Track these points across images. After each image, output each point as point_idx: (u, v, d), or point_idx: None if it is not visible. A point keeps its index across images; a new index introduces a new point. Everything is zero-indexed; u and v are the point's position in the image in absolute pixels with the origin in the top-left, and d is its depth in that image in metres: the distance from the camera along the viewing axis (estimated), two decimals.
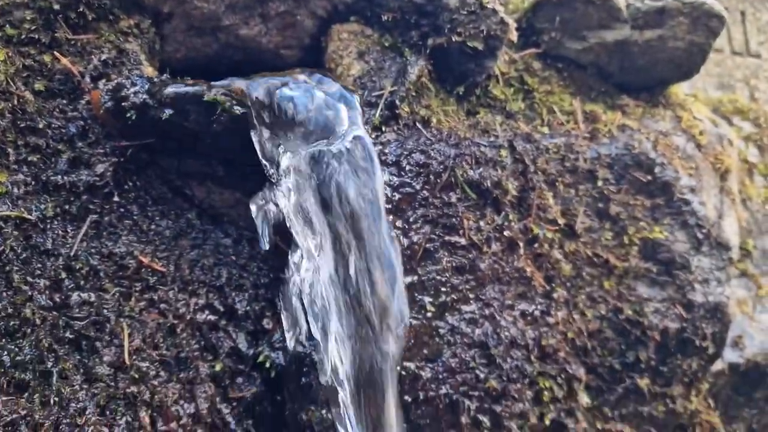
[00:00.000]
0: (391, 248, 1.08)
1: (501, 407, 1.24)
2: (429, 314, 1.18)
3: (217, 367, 1.15)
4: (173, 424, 1.11)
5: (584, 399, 1.31)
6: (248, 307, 1.18)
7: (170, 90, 1.10)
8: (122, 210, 1.14)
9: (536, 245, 1.26)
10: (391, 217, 1.15)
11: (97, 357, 1.07)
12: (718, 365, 1.48)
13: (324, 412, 1.11)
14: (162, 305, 1.13)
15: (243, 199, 1.23)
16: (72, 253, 1.09)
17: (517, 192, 1.28)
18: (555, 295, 1.27)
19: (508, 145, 1.30)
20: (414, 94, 1.27)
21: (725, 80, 2.04)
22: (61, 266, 1.07)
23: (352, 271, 1.08)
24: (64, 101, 1.16)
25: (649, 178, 1.39)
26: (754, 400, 1.57)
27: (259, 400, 1.19)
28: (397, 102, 1.25)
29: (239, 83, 1.12)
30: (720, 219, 1.47)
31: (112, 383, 1.07)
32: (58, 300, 1.07)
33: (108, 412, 1.06)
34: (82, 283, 1.08)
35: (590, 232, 1.31)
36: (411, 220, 1.17)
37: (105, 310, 1.09)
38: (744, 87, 2.07)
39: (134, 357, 1.09)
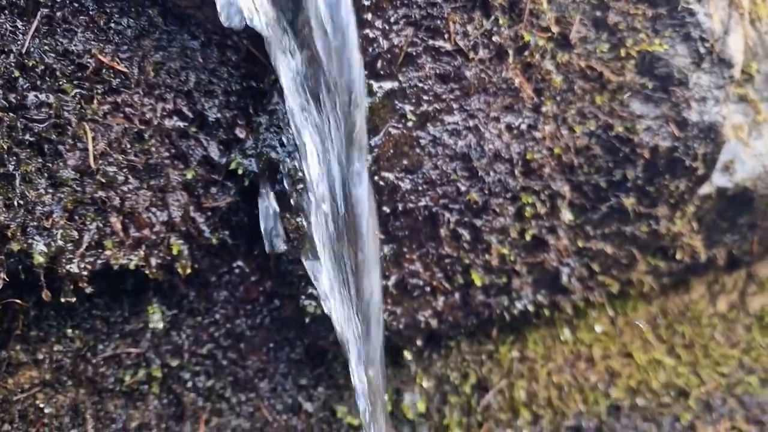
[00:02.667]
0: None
1: (481, 221, 1.22)
2: (410, 123, 1.12)
3: (189, 176, 1.11)
4: (146, 231, 1.09)
5: (567, 216, 1.29)
6: (219, 115, 1.12)
7: None
8: (76, 4, 1.04)
9: (527, 54, 1.18)
10: (369, 15, 1.06)
11: (61, 161, 1.02)
12: (705, 188, 1.45)
13: (300, 219, 1.09)
14: (127, 109, 1.06)
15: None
16: (24, 50, 1.01)
17: None
18: (543, 109, 1.21)
19: None
20: None
21: None
22: (12, 64, 1.00)
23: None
24: None
25: None
26: (738, 226, 1.56)
27: (234, 211, 1.17)
28: None
29: None
30: (725, 34, 1.37)
31: (79, 188, 1.03)
32: (13, 100, 1.00)
33: (77, 217, 1.03)
34: (38, 83, 1.01)
35: (585, 43, 1.22)
36: (392, 20, 1.07)
37: (66, 113, 1.02)
38: None
39: (100, 161, 1.04)
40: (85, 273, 1.04)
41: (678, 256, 1.49)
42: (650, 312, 1.62)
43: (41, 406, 1.12)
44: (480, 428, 1.39)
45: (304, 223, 1.08)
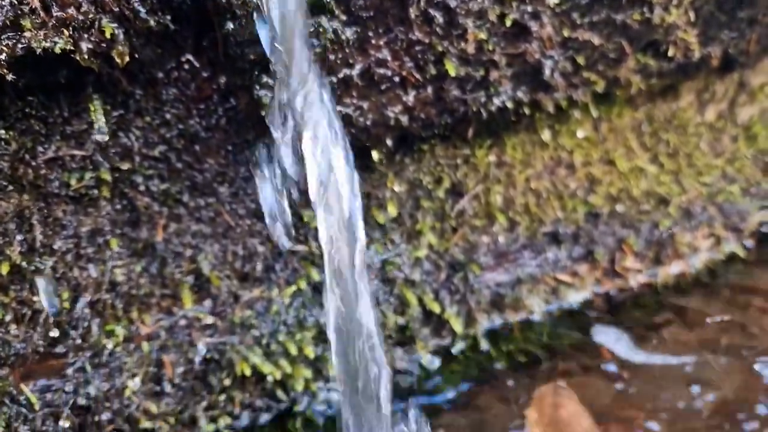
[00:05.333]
0: None
1: (456, 2, 1.09)
2: None
3: None
4: (71, 10, 0.95)
5: (552, 0, 1.16)
6: None
7: None
8: None
9: None
10: None
11: None
12: None
13: None
14: None
15: None
16: None
17: None
18: None
19: None
20: None
21: None
22: None
23: None
24: None
25: None
26: (737, 20, 1.44)
27: None
28: None
29: None
30: None
31: None
32: None
33: None
34: None
35: None
36: None
37: None
38: None
39: None
40: (2, 57, 0.92)
41: (670, 53, 1.37)
42: (636, 118, 1.54)
43: None
44: (454, 234, 1.35)
45: None
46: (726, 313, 1.43)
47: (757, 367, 1.29)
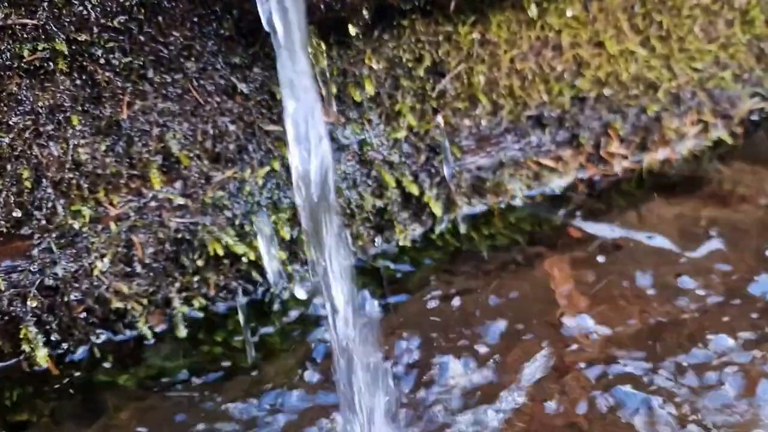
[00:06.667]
0: None
1: None
2: None
3: None
4: None
5: None
6: None
7: None
8: None
9: None
10: None
11: None
12: None
13: None
14: None
15: None
16: None
17: None
18: None
19: None
20: None
21: None
22: None
23: None
24: None
25: None
26: None
27: None
28: None
29: None
30: None
31: None
32: None
33: None
34: None
35: None
36: None
37: None
38: None
39: None
40: None
41: None
42: None
43: None
44: (435, 115, 1.30)
45: None
46: (710, 198, 1.41)
47: (740, 245, 1.29)
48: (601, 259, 1.29)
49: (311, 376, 1.13)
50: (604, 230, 1.32)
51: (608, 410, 1.03)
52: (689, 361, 1.09)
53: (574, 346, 1.13)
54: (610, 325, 1.17)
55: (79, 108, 1.08)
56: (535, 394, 1.07)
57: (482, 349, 1.14)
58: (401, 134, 1.27)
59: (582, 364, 1.10)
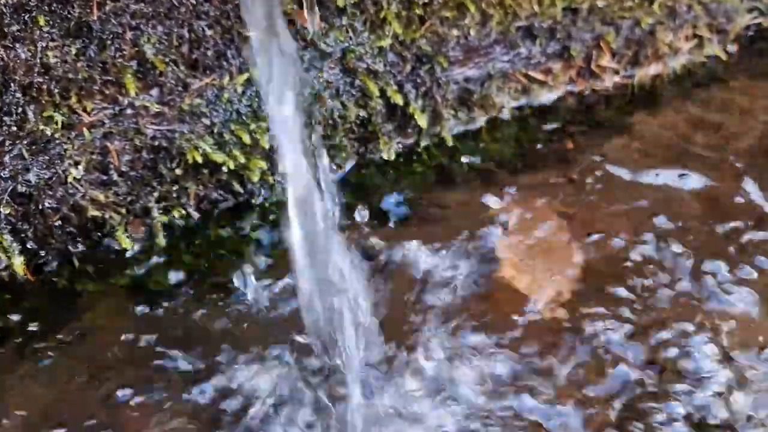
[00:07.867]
0: None
1: None
2: None
3: None
4: None
5: None
6: None
7: None
8: None
9: None
10: None
11: None
12: None
13: None
14: None
15: None
16: None
17: None
18: None
19: None
20: None
21: None
22: None
23: None
24: None
25: None
26: None
27: None
28: None
29: None
30: None
31: None
32: None
33: None
34: None
35: None
36: None
37: None
38: None
39: None
40: None
41: None
42: None
43: None
44: (422, 25, 1.25)
45: None
46: (702, 114, 1.38)
47: (730, 159, 1.27)
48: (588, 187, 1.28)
49: None
50: (593, 145, 1.30)
51: None
52: None
53: None
54: None
55: (46, 8, 1.03)
56: None
57: None
58: (386, 42, 1.22)
59: None
